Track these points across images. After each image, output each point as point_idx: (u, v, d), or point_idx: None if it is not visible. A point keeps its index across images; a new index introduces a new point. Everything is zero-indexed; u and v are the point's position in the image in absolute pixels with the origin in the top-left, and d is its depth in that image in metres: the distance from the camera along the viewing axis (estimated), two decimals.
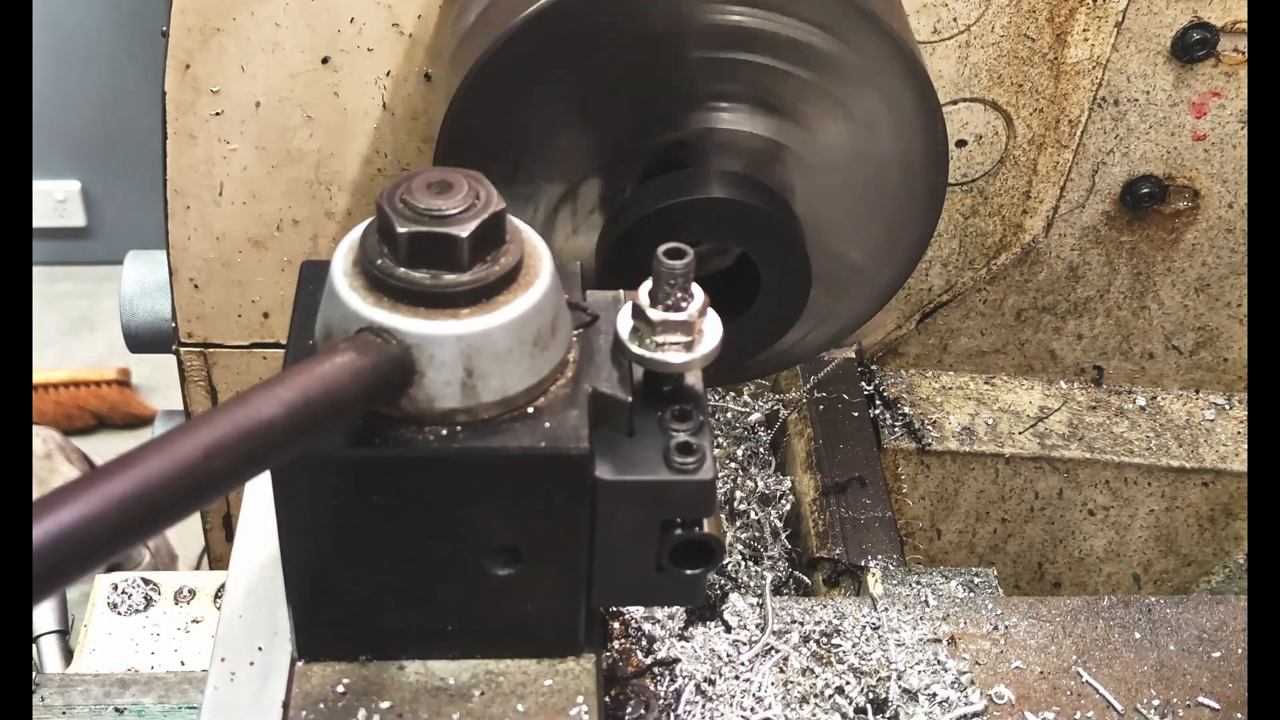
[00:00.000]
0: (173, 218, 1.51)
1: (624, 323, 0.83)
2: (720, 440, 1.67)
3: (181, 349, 1.63)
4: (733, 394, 1.72)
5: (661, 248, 0.81)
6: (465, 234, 0.77)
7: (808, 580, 1.50)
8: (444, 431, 0.79)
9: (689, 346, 0.82)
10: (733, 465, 1.64)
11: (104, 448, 3.32)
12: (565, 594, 0.87)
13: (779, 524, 1.58)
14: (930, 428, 1.72)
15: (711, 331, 0.83)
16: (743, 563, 1.53)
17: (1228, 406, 1.80)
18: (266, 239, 1.53)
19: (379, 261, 0.78)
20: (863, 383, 1.71)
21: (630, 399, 0.82)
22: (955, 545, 1.82)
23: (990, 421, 1.75)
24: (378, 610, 0.87)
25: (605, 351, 0.85)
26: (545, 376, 0.81)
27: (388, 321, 0.76)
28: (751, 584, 1.51)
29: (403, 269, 0.77)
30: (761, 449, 1.68)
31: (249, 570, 1.00)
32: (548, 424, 0.80)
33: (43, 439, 2.31)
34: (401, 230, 0.77)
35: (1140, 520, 1.79)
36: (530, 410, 0.81)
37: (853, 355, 1.73)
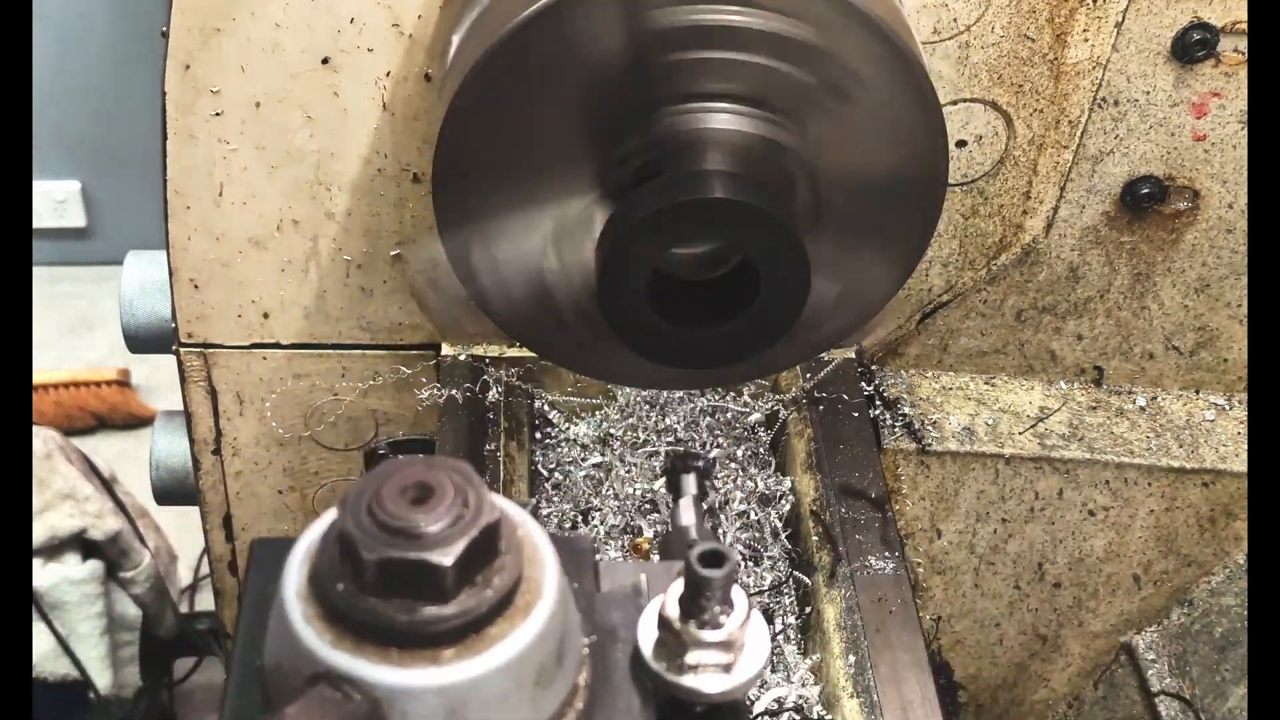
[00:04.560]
0: (173, 218, 1.52)
1: (646, 634, 0.68)
2: (720, 440, 1.67)
3: (181, 349, 1.63)
4: (733, 394, 1.72)
5: (695, 550, 0.66)
6: (449, 561, 0.61)
7: (808, 581, 1.51)
8: None
9: (728, 668, 0.67)
10: (733, 465, 1.64)
11: (104, 448, 3.31)
12: None
13: (779, 524, 1.58)
14: (930, 428, 1.72)
15: (757, 646, 0.68)
16: (743, 563, 1.53)
17: (1228, 407, 1.80)
18: (266, 239, 1.53)
19: (340, 587, 0.62)
20: (863, 383, 1.71)
21: None
22: (955, 546, 1.82)
23: (990, 422, 1.75)
24: None
25: (623, 668, 0.69)
26: (551, 716, 0.67)
27: (350, 668, 0.61)
28: (751, 584, 1.51)
29: (371, 599, 0.61)
30: (761, 449, 1.68)
31: None
32: None
33: (43, 439, 2.30)
34: (368, 557, 0.61)
35: (1140, 520, 1.79)
36: None
37: (853, 355, 1.73)
